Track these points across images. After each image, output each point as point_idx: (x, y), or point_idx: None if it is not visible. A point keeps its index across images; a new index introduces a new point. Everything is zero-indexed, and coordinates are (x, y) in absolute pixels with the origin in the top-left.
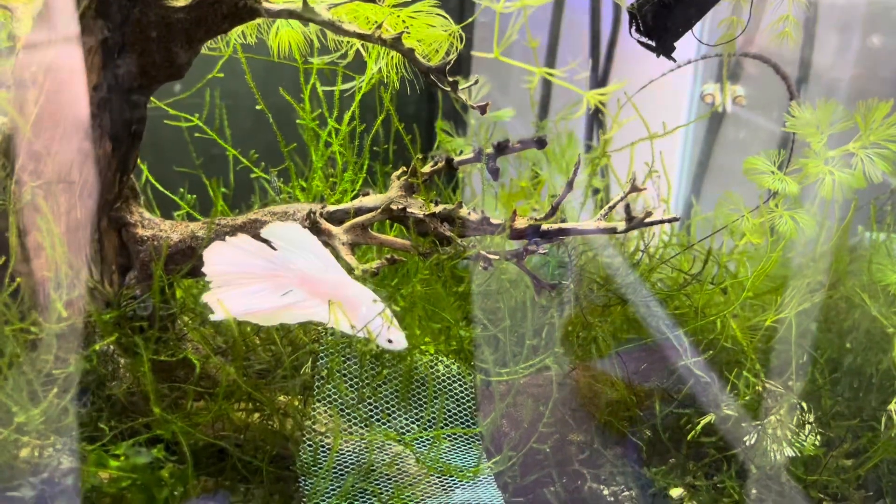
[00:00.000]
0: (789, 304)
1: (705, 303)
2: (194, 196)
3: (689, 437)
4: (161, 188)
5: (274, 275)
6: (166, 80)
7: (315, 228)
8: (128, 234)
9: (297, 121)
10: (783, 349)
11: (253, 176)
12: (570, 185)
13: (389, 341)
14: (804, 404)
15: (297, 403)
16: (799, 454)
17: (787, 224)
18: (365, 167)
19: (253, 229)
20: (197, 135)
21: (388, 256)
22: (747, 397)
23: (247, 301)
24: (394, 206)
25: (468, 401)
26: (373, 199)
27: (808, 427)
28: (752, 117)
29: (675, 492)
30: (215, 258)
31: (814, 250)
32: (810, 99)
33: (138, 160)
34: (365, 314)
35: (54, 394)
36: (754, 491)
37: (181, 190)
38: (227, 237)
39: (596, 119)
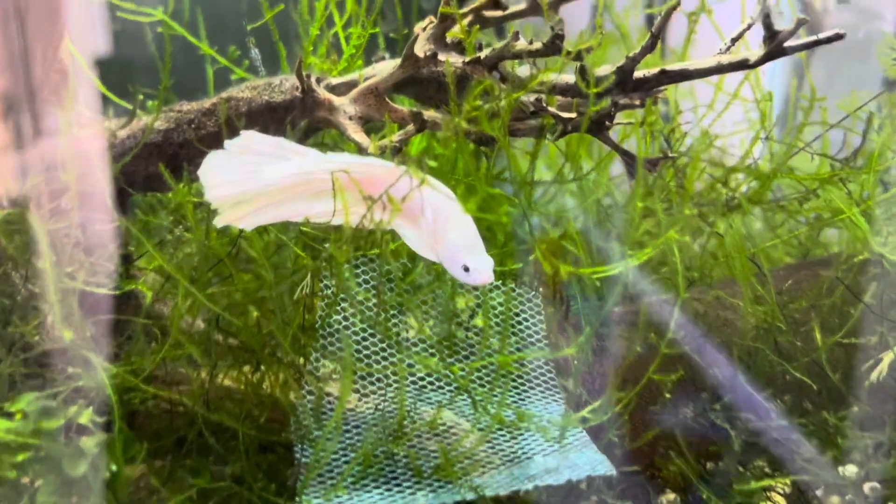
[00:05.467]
0: None
1: None
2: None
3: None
4: (119, 100)
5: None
6: None
7: (311, 99)
8: None
9: None
10: None
11: (234, 77)
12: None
13: (466, 269)
14: None
15: (287, 347)
16: None
17: None
18: (378, 32)
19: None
20: (159, 29)
21: (413, 111)
22: None
23: (264, 218)
24: (419, 52)
25: (538, 326)
26: (390, 65)
27: None
28: None
29: None
30: (215, 174)
31: None
32: None
33: None
34: (424, 210)
35: None
36: None
37: (139, 97)
38: (227, 143)
39: None
